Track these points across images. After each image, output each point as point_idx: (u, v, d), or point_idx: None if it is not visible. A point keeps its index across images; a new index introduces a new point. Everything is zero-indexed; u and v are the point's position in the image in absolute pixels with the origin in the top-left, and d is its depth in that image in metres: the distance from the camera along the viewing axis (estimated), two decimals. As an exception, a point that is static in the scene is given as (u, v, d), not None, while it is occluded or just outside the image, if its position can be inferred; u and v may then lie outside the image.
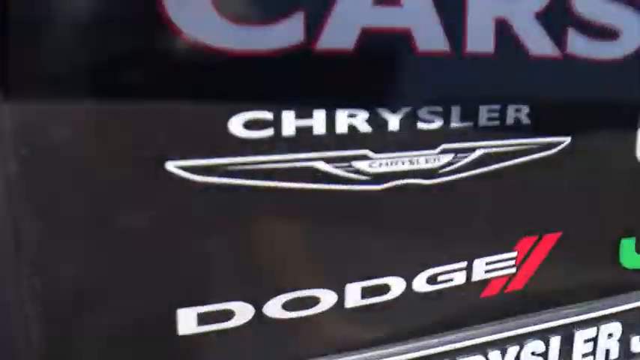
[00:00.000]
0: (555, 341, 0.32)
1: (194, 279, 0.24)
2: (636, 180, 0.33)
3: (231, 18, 0.22)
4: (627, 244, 0.35)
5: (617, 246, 0.35)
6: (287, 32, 0.23)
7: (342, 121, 0.25)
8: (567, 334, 0.33)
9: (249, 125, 0.23)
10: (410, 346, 0.29)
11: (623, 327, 0.35)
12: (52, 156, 0.21)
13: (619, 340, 0.35)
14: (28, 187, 0.21)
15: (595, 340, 0.34)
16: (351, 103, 0.25)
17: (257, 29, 0.23)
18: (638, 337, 0.35)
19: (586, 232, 0.33)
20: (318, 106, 0.24)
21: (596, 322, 0.34)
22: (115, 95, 0.21)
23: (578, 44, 0.30)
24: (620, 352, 0.35)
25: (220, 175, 0.23)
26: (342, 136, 0.25)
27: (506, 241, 0.31)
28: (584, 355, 0.34)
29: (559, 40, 0.29)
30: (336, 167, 0.25)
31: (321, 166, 0.25)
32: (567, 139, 0.31)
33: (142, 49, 0.21)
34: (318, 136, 0.24)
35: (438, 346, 0.30)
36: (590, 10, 0.29)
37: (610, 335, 0.34)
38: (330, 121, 0.25)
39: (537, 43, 0.28)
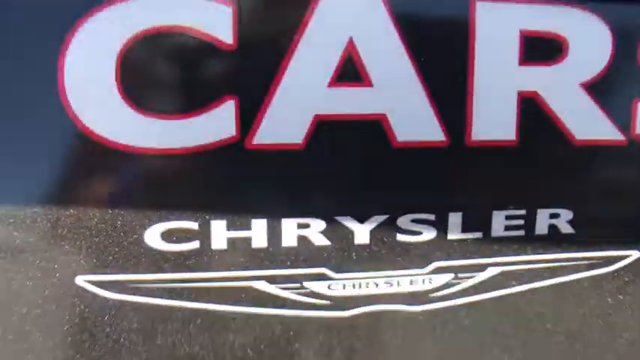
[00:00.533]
0: None
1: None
2: None
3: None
4: None
5: None
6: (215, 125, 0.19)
7: (289, 233, 0.20)
8: None
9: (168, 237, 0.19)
10: None
11: None
12: None
13: None
14: None
15: None
16: (302, 212, 0.20)
17: (178, 123, 0.19)
18: None
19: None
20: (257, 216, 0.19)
21: None
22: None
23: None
24: None
25: (135, 293, 0.19)
26: (289, 251, 0.20)
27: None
28: None
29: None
30: (283, 289, 0.20)
31: (266, 288, 0.20)
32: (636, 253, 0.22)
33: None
34: (257, 252, 0.20)
35: None
36: None
37: None
38: (274, 235, 0.20)
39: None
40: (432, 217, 0.20)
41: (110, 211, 0.19)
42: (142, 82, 0.18)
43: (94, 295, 0.19)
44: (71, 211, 0.19)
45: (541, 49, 0.20)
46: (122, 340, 0.20)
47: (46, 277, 0.19)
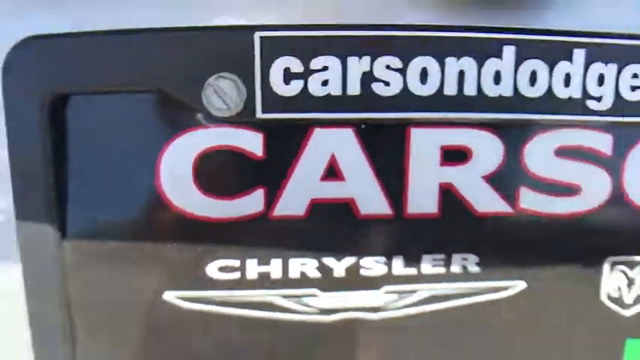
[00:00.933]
0: None
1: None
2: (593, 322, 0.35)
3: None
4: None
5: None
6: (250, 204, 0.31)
7: (295, 268, 0.32)
8: None
9: (222, 269, 0.32)
10: None
11: None
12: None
13: None
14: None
15: None
16: (303, 255, 0.32)
17: (229, 202, 0.31)
18: None
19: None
20: (276, 257, 0.32)
21: None
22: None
23: (531, 200, 0.33)
24: None
25: (201, 303, 0.32)
26: (294, 279, 0.32)
27: (457, 367, 0.35)
28: None
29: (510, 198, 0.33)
30: (290, 301, 0.33)
31: (278, 301, 0.32)
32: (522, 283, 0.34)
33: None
34: (276, 279, 0.32)
35: None
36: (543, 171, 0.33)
37: None
38: (285, 269, 0.32)
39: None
40: (383, 259, 0.33)
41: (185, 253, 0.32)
42: (207, 178, 0.31)
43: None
44: (161, 252, 0.32)
45: (454, 155, 0.32)
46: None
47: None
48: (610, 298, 0.35)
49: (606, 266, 0.35)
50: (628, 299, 0.35)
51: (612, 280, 0.35)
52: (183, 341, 0.33)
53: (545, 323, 0.35)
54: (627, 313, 0.35)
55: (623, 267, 0.35)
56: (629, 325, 0.36)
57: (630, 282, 0.35)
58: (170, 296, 0.32)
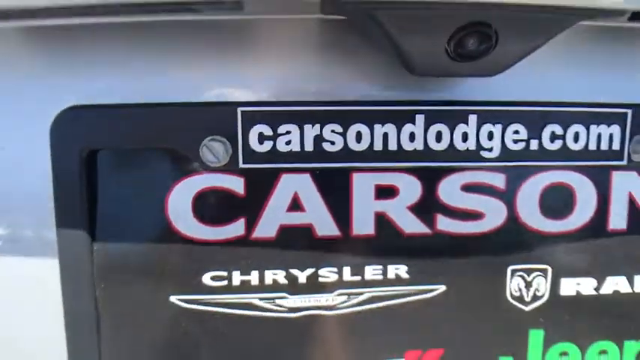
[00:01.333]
0: None
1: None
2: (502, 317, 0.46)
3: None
4: (505, 361, 0.47)
5: (496, 361, 0.47)
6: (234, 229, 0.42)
7: (269, 277, 0.43)
8: None
9: (213, 278, 0.43)
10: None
11: None
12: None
13: None
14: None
15: None
16: (275, 267, 0.43)
17: (218, 228, 0.42)
18: None
19: (465, 350, 0.46)
20: (254, 269, 0.43)
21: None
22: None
23: (445, 224, 0.44)
24: None
25: (199, 304, 0.43)
26: (268, 285, 0.43)
27: (395, 352, 0.46)
28: None
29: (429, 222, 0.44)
30: (266, 302, 0.44)
31: (257, 302, 0.43)
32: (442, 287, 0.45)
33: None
34: (254, 285, 0.43)
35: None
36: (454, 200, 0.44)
37: None
38: (261, 278, 0.43)
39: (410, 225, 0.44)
40: (335, 269, 0.44)
41: (185, 266, 0.43)
42: (202, 210, 0.42)
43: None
44: (168, 265, 0.43)
45: (385, 192, 0.43)
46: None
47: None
48: (513, 297, 0.46)
49: (509, 273, 0.46)
50: (527, 298, 0.46)
51: (514, 283, 0.46)
52: (185, 335, 0.43)
53: (464, 318, 0.46)
54: (527, 308, 0.46)
55: (521, 273, 0.46)
56: (530, 318, 0.47)
57: (527, 284, 0.46)
58: (174, 299, 0.43)
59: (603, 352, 0.47)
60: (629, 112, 0.44)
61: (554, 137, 0.43)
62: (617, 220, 0.45)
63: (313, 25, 0.42)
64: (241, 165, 0.41)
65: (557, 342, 0.47)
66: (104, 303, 0.43)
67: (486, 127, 0.43)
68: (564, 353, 0.47)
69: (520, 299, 0.46)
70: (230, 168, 0.41)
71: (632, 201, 0.45)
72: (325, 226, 0.43)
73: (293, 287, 0.44)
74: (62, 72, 0.41)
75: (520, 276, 0.46)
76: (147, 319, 0.43)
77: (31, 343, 0.43)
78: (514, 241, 0.45)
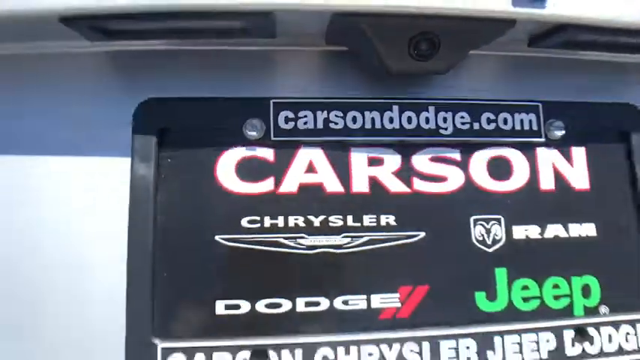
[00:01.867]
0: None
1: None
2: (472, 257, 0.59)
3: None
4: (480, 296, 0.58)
5: (473, 296, 0.58)
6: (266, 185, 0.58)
7: (291, 221, 0.58)
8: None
9: (249, 222, 0.57)
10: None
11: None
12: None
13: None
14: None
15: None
16: (296, 214, 0.58)
17: (254, 184, 0.58)
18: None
19: (447, 287, 0.58)
20: (280, 215, 0.58)
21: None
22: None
23: (420, 184, 0.60)
24: None
25: (237, 242, 0.57)
26: (291, 227, 0.57)
27: (390, 287, 0.58)
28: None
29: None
30: (289, 241, 0.57)
31: (282, 240, 0.57)
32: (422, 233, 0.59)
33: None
34: (281, 227, 0.57)
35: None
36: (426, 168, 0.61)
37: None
38: (286, 222, 0.58)
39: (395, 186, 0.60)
40: (340, 217, 0.58)
41: (229, 213, 0.57)
42: (243, 171, 0.58)
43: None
44: (215, 213, 0.57)
45: (375, 161, 0.60)
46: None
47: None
48: (477, 240, 0.60)
49: (471, 221, 0.60)
50: (489, 241, 0.60)
51: (477, 229, 0.60)
52: (226, 267, 0.56)
53: (442, 259, 0.59)
54: (490, 250, 0.60)
55: (481, 222, 0.60)
56: (494, 259, 0.60)
57: (487, 231, 0.60)
58: (219, 238, 0.57)
59: (556, 286, 0.60)
60: (540, 105, 0.63)
61: (489, 121, 0.62)
62: (546, 182, 0.62)
63: (319, 55, 0.63)
64: (272, 138, 0.59)
65: (519, 278, 0.59)
66: (164, 238, 0.56)
67: (441, 114, 0.62)
68: (526, 287, 0.59)
69: (483, 242, 0.60)
70: (264, 141, 0.59)
71: (554, 168, 0.62)
72: (332, 184, 0.59)
73: (310, 229, 0.58)
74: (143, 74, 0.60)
75: (481, 224, 0.60)
76: (197, 254, 0.56)
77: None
78: (472, 198, 0.61)
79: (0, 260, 0.53)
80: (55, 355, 0.52)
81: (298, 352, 0.54)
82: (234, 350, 0.53)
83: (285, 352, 0.54)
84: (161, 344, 0.53)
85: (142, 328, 0.53)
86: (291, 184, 0.58)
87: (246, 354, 0.54)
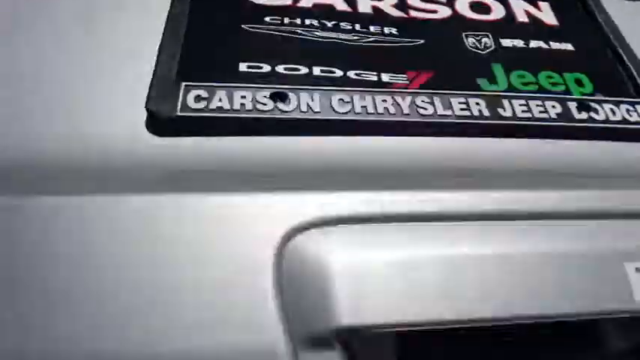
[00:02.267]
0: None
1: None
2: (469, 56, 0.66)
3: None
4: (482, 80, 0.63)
5: (475, 80, 0.63)
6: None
7: (307, 21, 0.66)
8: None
9: (273, 19, 0.65)
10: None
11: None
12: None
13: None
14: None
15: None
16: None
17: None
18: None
19: (449, 74, 0.64)
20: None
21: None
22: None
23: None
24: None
25: (263, 30, 0.64)
26: (308, 25, 0.65)
27: (399, 69, 0.63)
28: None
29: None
30: (305, 32, 0.65)
31: (300, 31, 0.65)
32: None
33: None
34: (299, 23, 0.65)
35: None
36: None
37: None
38: (302, 20, 0.66)
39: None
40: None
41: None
42: None
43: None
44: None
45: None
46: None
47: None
48: (470, 47, 0.67)
49: (464, 36, 0.69)
50: (481, 47, 0.67)
51: (469, 40, 0.68)
52: (250, 44, 0.62)
53: (442, 55, 0.66)
54: (484, 52, 0.67)
55: (472, 36, 0.69)
56: (489, 58, 0.66)
57: (478, 41, 0.68)
58: (245, 26, 0.64)
59: (550, 77, 0.65)
60: None
61: None
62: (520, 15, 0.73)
63: None
64: None
65: (514, 70, 0.65)
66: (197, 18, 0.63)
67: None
68: (522, 76, 0.65)
69: (476, 48, 0.68)
70: None
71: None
72: (341, 6, 0.69)
73: (323, 28, 0.66)
74: None
75: (472, 37, 0.69)
76: (224, 33, 0.63)
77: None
78: (461, 24, 0.71)
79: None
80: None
81: (316, 96, 0.57)
82: (254, 90, 0.56)
83: (304, 95, 0.57)
84: (184, 83, 0.56)
85: (170, 72, 0.57)
86: (307, 2, 0.69)
87: (266, 93, 0.56)
